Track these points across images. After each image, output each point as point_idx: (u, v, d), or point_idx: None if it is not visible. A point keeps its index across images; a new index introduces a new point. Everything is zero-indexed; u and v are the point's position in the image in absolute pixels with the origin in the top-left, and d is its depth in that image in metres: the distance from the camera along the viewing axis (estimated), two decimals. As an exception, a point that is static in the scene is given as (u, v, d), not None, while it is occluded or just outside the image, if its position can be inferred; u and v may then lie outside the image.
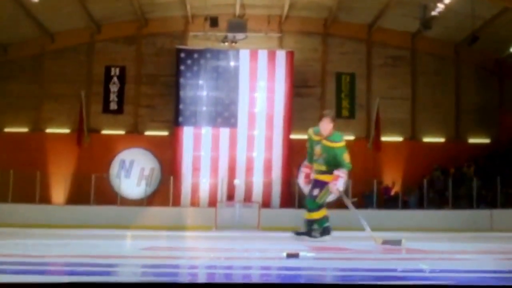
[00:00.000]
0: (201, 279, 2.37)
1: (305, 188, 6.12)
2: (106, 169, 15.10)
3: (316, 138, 5.85)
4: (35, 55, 15.49)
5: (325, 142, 5.76)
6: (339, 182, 5.62)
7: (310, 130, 5.97)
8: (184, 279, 2.36)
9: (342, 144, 5.77)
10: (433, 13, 12.96)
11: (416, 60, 16.34)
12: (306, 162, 6.12)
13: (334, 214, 6.61)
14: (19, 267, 2.73)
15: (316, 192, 5.82)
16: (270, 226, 12.78)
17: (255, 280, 2.39)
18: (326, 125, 5.76)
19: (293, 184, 15.04)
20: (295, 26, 15.87)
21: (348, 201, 5.84)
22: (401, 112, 16.15)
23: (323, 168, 5.82)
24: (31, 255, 3.59)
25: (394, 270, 2.72)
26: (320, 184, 5.83)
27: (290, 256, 3.27)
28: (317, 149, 5.81)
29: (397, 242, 4.64)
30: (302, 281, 2.30)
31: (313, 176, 5.94)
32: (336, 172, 5.69)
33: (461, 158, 15.61)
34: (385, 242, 4.61)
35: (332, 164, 5.74)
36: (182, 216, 13.74)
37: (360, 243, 5.84)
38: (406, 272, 2.64)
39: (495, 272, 2.81)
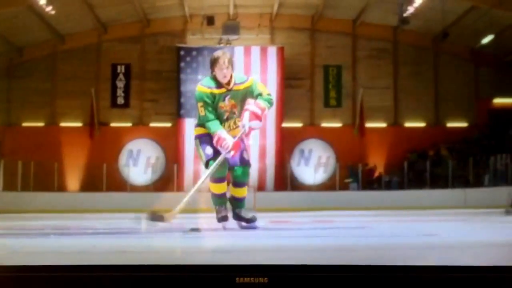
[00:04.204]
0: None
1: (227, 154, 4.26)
2: (115, 158, 16.48)
3: (219, 91, 4.23)
4: (48, 56, 16.75)
5: (236, 88, 4.27)
6: (260, 122, 4.24)
7: (203, 87, 4.28)
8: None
9: (251, 78, 4.44)
10: (409, 11, 14.25)
11: (398, 51, 17.61)
12: (198, 127, 4.47)
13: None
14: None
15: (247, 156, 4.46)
16: (265, 207, 14.20)
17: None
18: (226, 70, 4.18)
19: (285, 168, 16.55)
20: (285, 23, 17.12)
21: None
22: (384, 100, 17.51)
23: (238, 120, 4.39)
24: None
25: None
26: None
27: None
28: (227, 102, 4.26)
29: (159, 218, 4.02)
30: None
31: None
32: (261, 105, 4.23)
33: (440, 141, 17.04)
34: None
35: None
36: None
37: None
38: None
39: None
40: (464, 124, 17.64)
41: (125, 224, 5.78)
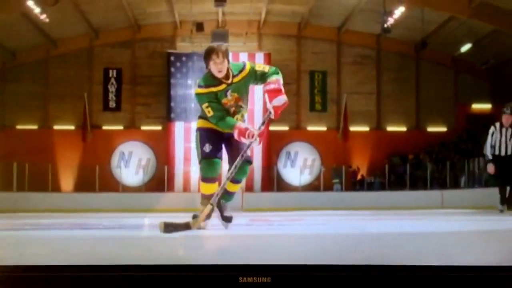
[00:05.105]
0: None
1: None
2: (108, 160, 17.00)
3: (218, 88, 3.93)
4: (41, 60, 17.20)
5: (235, 80, 3.96)
6: (282, 96, 3.90)
7: (201, 89, 3.97)
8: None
9: (248, 63, 4.10)
10: (389, 21, 14.91)
11: (381, 58, 18.31)
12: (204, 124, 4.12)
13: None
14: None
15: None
16: (252, 208, 14.73)
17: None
18: (221, 65, 3.87)
19: (272, 170, 17.14)
20: (272, 30, 17.73)
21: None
22: (367, 105, 18.20)
23: (246, 113, 4.19)
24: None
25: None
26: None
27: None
28: (230, 97, 3.96)
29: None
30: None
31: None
32: (272, 80, 3.92)
33: (420, 145, 17.75)
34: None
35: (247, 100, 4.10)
36: (176, 200, 15.67)
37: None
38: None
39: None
40: (443, 129, 18.38)
41: (124, 222, 6.28)
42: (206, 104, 3.92)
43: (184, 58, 17.03)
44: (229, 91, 3.94)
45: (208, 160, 4.03)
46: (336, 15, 17.25)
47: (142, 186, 16.70)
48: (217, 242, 3.36)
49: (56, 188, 16.08)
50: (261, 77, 4.00)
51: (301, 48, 18.08)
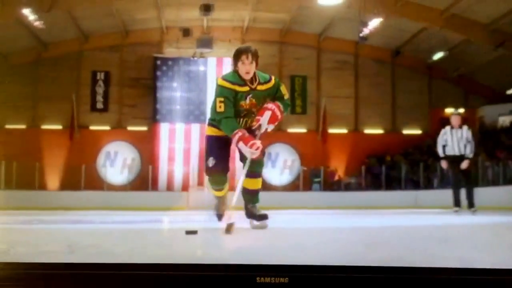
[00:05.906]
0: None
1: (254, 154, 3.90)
2: (94, 159, 17.53)
3: (242, 89, 3.86)
4: (31, 62, 17.67)
5: (259, 87, 3.93)
6: (275, 125, 3.99)
7: (226, 82, 3.88)
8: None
9: (274, 77, 4.11)
10: (364, 32, 15.65)
11: (359, 64, 19.06)
12: (211, 124, 4.10)
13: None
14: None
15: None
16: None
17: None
18: (249, 66, 3.86)
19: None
20: (256, 36, 18.37)
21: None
22: (346, 108, 18.94)
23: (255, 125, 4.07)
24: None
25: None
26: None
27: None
28: (248, 101, 3.90)
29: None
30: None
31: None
32: (281, 109, 3.95)
33: (396, 147, 18.51)
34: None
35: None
36: (159, 198, 16.24)
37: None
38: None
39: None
40: (418, 132, 19.18)
41: (133, 219, 6.75)
42: (222, 99, 3.82)
43: (170, 62, 17.66)
44: (250, 95, 3.88)
45: (213, 176, 4.17)
46: (316, 23, 17.96)
47: (127, 185, 17.24)
48: (232, 241, 3.40)
49: (43, 186, 16.56)
50: (277, 98, 4.03)
51: (283, 53, 18.77)
